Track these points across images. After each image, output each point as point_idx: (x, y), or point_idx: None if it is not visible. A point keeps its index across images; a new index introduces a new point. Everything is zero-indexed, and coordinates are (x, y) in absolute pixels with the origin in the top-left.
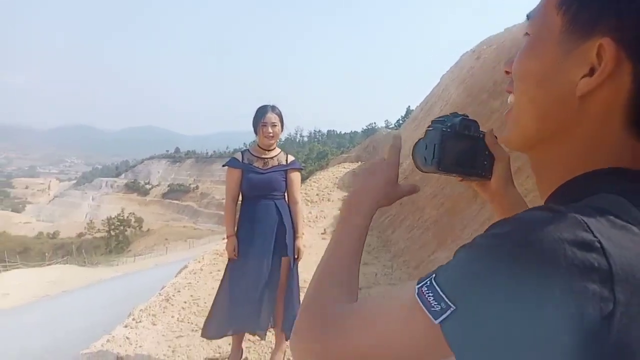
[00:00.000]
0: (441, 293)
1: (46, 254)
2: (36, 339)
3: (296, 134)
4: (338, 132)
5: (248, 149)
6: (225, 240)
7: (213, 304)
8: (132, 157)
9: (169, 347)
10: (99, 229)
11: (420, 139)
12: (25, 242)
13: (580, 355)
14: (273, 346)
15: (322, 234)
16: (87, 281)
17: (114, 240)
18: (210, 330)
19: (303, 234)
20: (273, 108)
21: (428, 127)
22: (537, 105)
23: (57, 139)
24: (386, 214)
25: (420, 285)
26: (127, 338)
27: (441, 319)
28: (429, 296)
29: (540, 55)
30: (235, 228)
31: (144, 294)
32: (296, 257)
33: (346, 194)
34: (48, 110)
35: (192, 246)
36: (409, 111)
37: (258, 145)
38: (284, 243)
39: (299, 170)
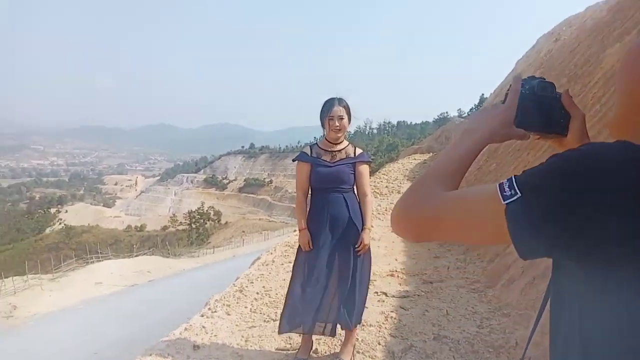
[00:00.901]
0: (515, 184)
1: (134, 246)
2: (127, 326)
3: (365, 126)
4: (409, 123)
5: (316, 143)
6: (297, 233)
7: (286, 299)
8: (210, 153)
9: (242, 337)
10: (181, 222)
11: (500, 101)
12: (116, 234)
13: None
14: (343, 339)
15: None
16: (170, 271)
17: (195, 233)
18: (284, 326)
19: (371, 227)
20: (340, 101)
21: (507, 90)
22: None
23: (142, 138)
24: None
25: (504, 181)
26: (204, 327)
27: (508, 201)
28: (505, 186)
29: None
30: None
31: (222, 283)
32: (358, 248)
33: None
34: (134, 111)
35: (267, 238)
36: (482, 99)
37: (326, 139)
38: (352, 237)
39: (368, 162)
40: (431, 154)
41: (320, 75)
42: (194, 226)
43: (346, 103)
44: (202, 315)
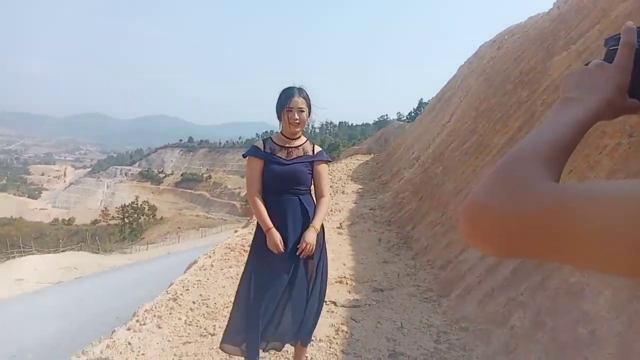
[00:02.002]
0: None
1: (60, 241)
2: (52, 324)
3: (308, 125)
4: (350, 124)
5: (270, 137)
6: (238, 234)
7: (232, 312)
8: (146, 146)
9: (175, 355)
10: (113, 217)
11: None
12: (41, 227)
13: None
14: (291, 356)
15: (337, 227)
16: (100, 268)
17: (128, 228)
18: (225, 341)
19: (318, 229)
20: (300, 91)
21: (610, 46)
22: None
23: (73, 127)
24: (405, 208)
25: None
26: (129, 344)
27: None
28: None
29: None
30: (255, 228)
31: (156, 281)
32: (298, 251)
33: (360, 186)
34: (63, 98)
35: (204, 235)
36: (421, 103)
37: (282, 133)
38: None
39: (327, 162)
40: (372, 154)
41: (264, 70)
42: (127, 221)
43: (306, 93)
44: (129, 329)
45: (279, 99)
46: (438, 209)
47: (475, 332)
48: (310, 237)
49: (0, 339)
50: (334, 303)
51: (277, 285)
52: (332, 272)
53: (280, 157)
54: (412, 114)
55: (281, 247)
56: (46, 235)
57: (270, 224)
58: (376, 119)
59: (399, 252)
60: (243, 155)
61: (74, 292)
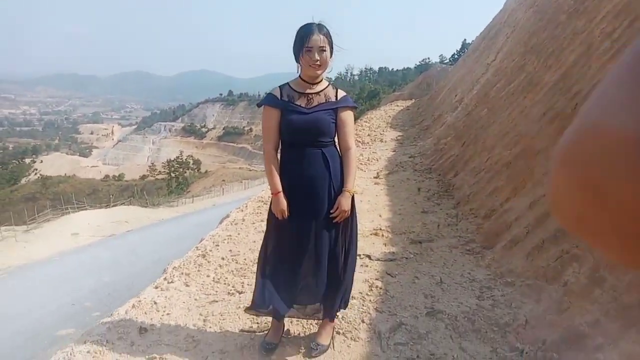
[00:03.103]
0: None
1: (112, 196)
2: (106, 275)
3: (347, 72)
4: (390, 70)
5: (288, 83)
6: (269, 189)
7: (257, 277)
8: (188, 102)
9: (201, 315)
10: (160, 172)
11: None
12: (94, 184)
13: None
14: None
15: (374, 177)
16: (148, 221)
17: (175, 182)
18: (252, 306)
19: (354, 191)
20: (320, 27)
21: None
22: None
23: (118, 86)
24: (447, 154)
25: None
26: (155, 303)
27: None
28: None
29: None
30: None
31: (201, 233)
32: (332, 214)
33: (400, 133)
34: (108, 58)
35: (247, 187)
36: (464, 45)
37: (300, 78)
38: (334, 203)
39: (352, 108)
40: (413, 100)
41: (301, 17)
42: (173, 175)
43: (327, 30)
44: (156, 287)
45: (296, 39)
46: (482, 154)
47: (523, 287)
48: (346, 203)
49: (60, 289)
50: (368, 257)
51: (302, 249)
52: (367, 224)
53: (300, 105)
54: (456, 56)
55: (285, 214)
56: (99, 191)
57: (279, 188)
58: (418, 63)
59: (440, 202)
60: (257, 104)
61: (125, 244)
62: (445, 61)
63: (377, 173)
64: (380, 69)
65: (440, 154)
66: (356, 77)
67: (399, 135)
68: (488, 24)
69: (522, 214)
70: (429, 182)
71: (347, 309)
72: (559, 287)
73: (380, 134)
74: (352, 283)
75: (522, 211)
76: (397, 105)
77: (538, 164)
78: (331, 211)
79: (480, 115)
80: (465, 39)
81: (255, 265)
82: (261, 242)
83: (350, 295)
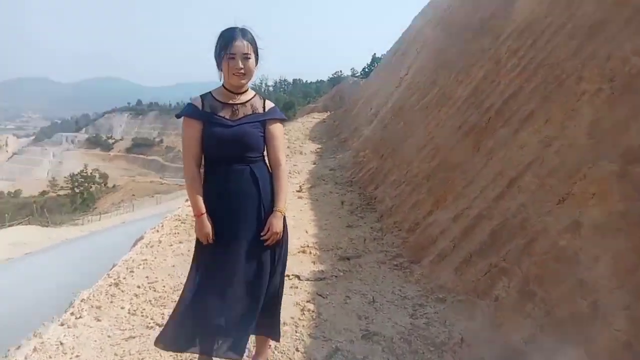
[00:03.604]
0: None
1: (7, 215)
2: (2, 305)
3: (261, 83)
4: (304, 82)
5: (210, 92)
6: (190, 206)
7: (176, 305)
8: (92, 111)
9: (116, 354)
10: (62, 187)
11: None
12: None
13: None
14: (251, 353)
15: (297, 191)
16: (51, 242)
17: (79, 198)
18: (167, 340)
19: (284, 211)
20: (244, 33)
21: None
22: None
23: (12, 93)
24: (366, 167)
25: None
26: (61, 344)
27: None
28: None
29: None
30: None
31: (110, 253)
32: (262, 236)
33: (319, 145)
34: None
35: (159, 202)
36: (375, 59)
37: (224, 87)
38: (263, 225)
39: (282, 120)
40: (328, 112)
41: (216, 25)
42: (77, 191)
43: (252, 36)
44: (62, 324)
45: (217, 44)
46: (401, 167)
47: (455, 303)
48: (278, 224)
49: None
50: (298, 277)
51: (229, 275)
52: (294, 242)
53: (224, 117)
54: (366, 70)
55: (210, 238)
56: None
57: (202, 209)
58: (330, 76)
59: (364, 215)
60: (176, 115)
61: (24, 269)
62: (357, 74)
63: (300, 186)
64: (294, 80)
65: (359, 167)
66: (271, 88)
67: (317, 148)
68: (398, 39)
69: (446, 227)
70: (351, 195)
71: (280, 336)
72: (490, 302)
73: (300, 146)
74: (279, 312)
75: (447, 224)
76: (314, 117)
77: (457, 177)
78: (262, 233)
79: (396, 128)
80: (375, 53)
81: (176, 292)
82: (187, 262)
83: (281, 322)
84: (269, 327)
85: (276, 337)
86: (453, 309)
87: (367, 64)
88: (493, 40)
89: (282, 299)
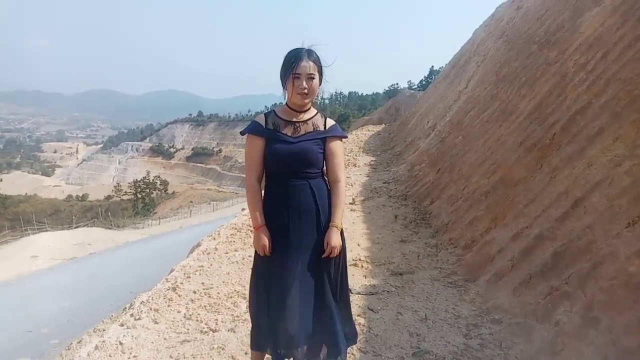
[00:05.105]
0: None
1: (74, 217)
2: (66, 300)
3: (317, 96)
4: (360, 94)
5: (274, 110)
6: (246, 213)
7: (252, 315)
8: (156, 121)
9: (171, 357)
10: (125, 192)
11: None
12: (56, 204)
13: None
14: None
15: (350, 204)
16: (113, 244)
17: (141, 203)
18: (256, 344)
19: (341, 226)
20: (309, 53)
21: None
22: None
23: (83, 104)
24: (422, 181)
25: None
26: (121, 344)
27: None
28: None
29: None
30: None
31: (168, 256)
32: (325, 255)
33: (373, 158)
34: (73, 75)
35: (215, 208)
36: (432, 71)
37: (287, 105)
38: (321, 238)
39: (342, 138)
40: (383, 125)
41: (275, 39)
42: (139, 196)
43: (317, 56)
44: (122, 325)
45: (283, 64)
46: (459, 182)
47: (512, 325)
48: (336, 239)
49: (16, 315)
50: (350, 290)
51: (286, 288)
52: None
53: (286, 134)
54: (424, 82)
55: (267, 250)
56: (60, 212)
57: (261, 221)
58: (386, 88)
59: (418, 230)
60: (241, 132)
61: (87, 268)
62: (414, 87)
63: (353, 199)
64: (350, 93)
65: (414, 181)
66: (326, 101)
67: (372, 160)
68: (457, 52)
69: (505, 246)
70: (405, 209)
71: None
72: (550, 327)
73: (354, 159)
74: (350, 316)
75: (505, 243)
76: (368, 130)
77: (518, 194)
78: (323, 250)
79: (454, 142)
80: (432, 66)
81: (230, 299)
82: (242, 269)
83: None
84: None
85: (349, 342)
86: (510, 331)
87: (425, 77)
88: (559, 53)
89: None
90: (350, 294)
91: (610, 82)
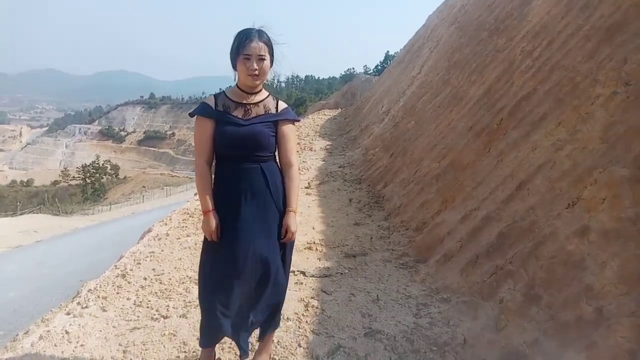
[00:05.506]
0: None
1: (19, 203)
2: (13, 289)
3: (273, 79)
4: (317, 78)
5: (224, 92)
6: (198, 199)
7: (200, 304)
8: (106, 103)
9: (120, 345)
10: (74, 177)
11: None
12: None
13: None
14: (254, 347)
15: (306, 187)
16: (61, 231)
17: (90, 188)
18: (205, 341)
19: (296, 209)
20: (260, 34)
21: None
22: None
23: (27, 84)
24: (376, 165)
25: None
26: (67, 332)
27: None
28: None
29: None
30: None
31: (119, 243)
32: (282, 238)
33: (329, 142)
34: (15, 53)
35: (169, 194)
36: (388, 56)
37: (237, 87)
38: (273, 222)
39: (294, 121)
40: (339, 109)
41: (231, 19)
42: (88, 181)
43: (268, 37)
44: (68, 314)
45: (233, 44)
46: (411, 166)
47: (459, 304)
48: (293, 223)
49: None
50: (303, 273)
51: (240, 270)
52: (301, 238)
53: (236, 116)
54: (379, 67)
55: (214, 236)
56: (4, 198)
57: (209, 206)
58: (343, 73)
59: (371, 213)
60: (189, 114)
61: (34, 256)
62: (370, 72)
63: (309, 183)
64: (306, 77)
65: (369, 165)
66: (283, 85)
67: (327, 145)
68: (411, 38)
69: (454, 228)
70: (359, 193)
71: (280, 328)
72: (495, 305)
73: (310, 143)
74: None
75: (454, 225)
76: (324, 114)
77: (467, 178)
78: (281, 236)
79: (407, 127)
80: (388, 51)
81: (182, 285)
82: (194, 255)
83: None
84: (274, 321)
85: (275, 326)
86: (457, 309)
87: (380, 62)
88: (508, 40)
89: (287, 295)
90: (294, 276)
91: (554, 69)
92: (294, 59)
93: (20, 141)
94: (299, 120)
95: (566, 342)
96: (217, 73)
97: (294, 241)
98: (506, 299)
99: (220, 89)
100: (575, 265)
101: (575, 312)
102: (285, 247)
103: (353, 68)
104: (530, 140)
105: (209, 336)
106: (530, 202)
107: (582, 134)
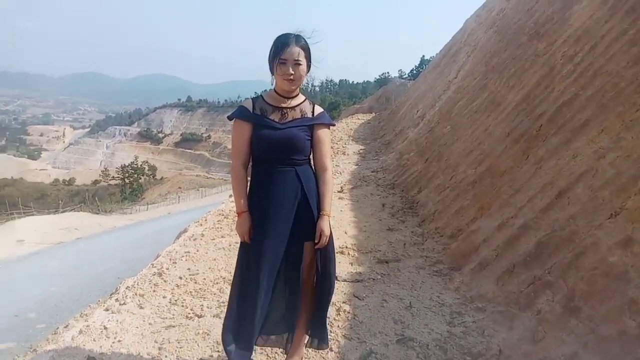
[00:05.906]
0: None
1: (61, 201)
2: (53, 285)
3: (307, 83)
4: (351, 82)
5: (261, 95)
6: (233, 200)
7: (228, 306)
8: (145, 105)
9: (156, 342)
10: (113, 177)
11: None
12: (42, 188)
13: None
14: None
15: (338, 192)
16: (101, 228)
17: (128, 188)
18: (226, 340)
19: (330, 213)
20: (297, 39)
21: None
22: None
23: (70, 86)
24: (410, 170)
25: None
26: (105, 328)
27: None
28: None
29: None
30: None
31: (156, 242)
32: (316, 242)
33: (362, 147)
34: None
35: (204, 195)
36: (423, 61)
37: (275, 91)
38: (307, 224)
39: (330, 125)
40: (373, 114)
41: (267, 24)
42: (127, 181)
43: (305, 42)
44: (107, 309)
45: (271, 48)
46: (446, 172)
47: (495, 314)
48: (327, 227)
49: (2, 299)
50: (335, 277)
51: (273, 275)
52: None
53: (273, 120)
54: (414, 72)
55: (246, 237)
56: (47, 196)
57: (244, 207)
58: (377, 77)
59: (405, 219)
60: (228, 117)
61: (74, 252)
62: (404, 76)
63: (341, 187)
64: (340, 81)
65: (403, 170)
66: (317, 89)
67: (361, 149)
68: (448, 42)
69: (490, 236)
70: (392, 198)
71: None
72: (532, 316)
73: (343, 147)
74: (327, 310)
75: (490, 232)
76: (358, 118)
77: (504, 184)
78: (315, 240)
79: (443, 132)
80: (423, 55)
81: (216, 285)
82: (228, 256)
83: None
84: (314, 326)
85: (323, 342)
86: (492, 319)
87: (416, 66)
88: (548, 45)
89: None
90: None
91: (597, 75)
92: (329, 62)
93: (64, 141)
94: (334, 125)
95: (608, 357)
96: (253, 77)
97: (333, 244)
98: (544, 310)
99: (255, 92)
100: (618, 278)
101: (617, 326)
102: (326, 251)
103: (388, 72)
104: (571, 148)
105: (232, 337)
106: (571, 212)
107: (626, 141)
